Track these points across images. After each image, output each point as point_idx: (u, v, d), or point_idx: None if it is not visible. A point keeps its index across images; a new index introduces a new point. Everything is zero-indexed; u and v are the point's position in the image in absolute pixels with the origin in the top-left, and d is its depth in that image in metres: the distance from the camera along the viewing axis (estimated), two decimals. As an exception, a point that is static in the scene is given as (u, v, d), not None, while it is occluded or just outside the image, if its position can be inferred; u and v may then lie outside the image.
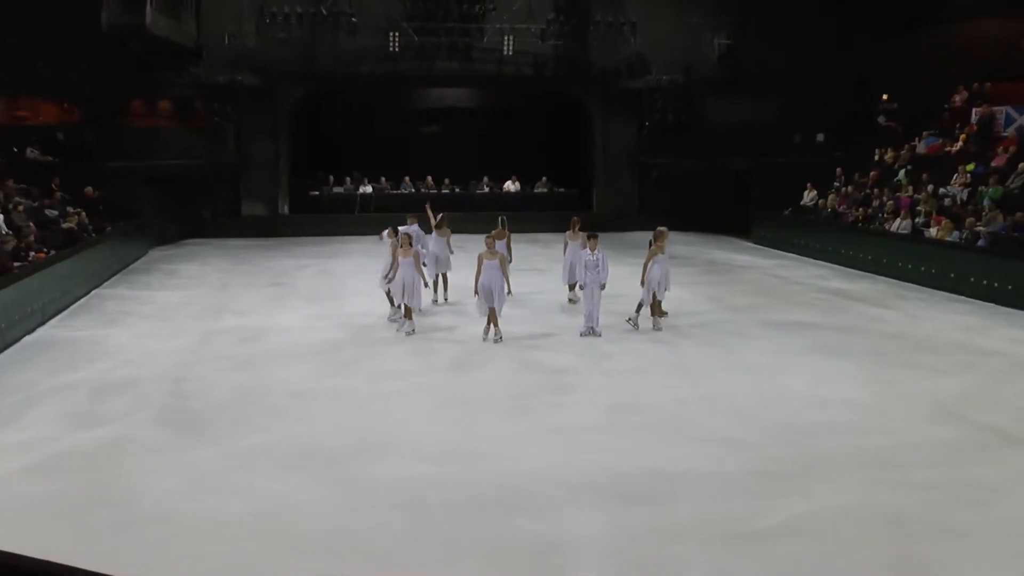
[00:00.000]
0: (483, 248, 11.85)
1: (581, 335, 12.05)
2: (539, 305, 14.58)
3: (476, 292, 11.82)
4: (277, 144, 26.18)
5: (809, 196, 22.78)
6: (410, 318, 12.26)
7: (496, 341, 11.63)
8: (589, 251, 12.06)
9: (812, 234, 21.13)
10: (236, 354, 11.24)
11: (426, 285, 12.78)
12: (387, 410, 8.86)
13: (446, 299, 14.48)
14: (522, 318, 13.44)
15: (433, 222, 14.85)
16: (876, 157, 22.53)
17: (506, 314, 12.68)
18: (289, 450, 7.63)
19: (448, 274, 14.66)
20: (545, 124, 29.13)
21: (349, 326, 12.96)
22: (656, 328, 12.51)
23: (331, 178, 27.16)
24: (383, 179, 27.37)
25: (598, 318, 12.10)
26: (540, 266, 18.77)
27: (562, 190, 28.02)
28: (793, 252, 21.52)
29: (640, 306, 12.57)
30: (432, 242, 14.47)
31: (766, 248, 22.79)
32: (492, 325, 11.73)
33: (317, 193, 26.79)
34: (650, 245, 12.54)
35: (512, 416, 8.67)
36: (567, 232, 14.70)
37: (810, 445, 7.77)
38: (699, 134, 25.89)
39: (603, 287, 12.04)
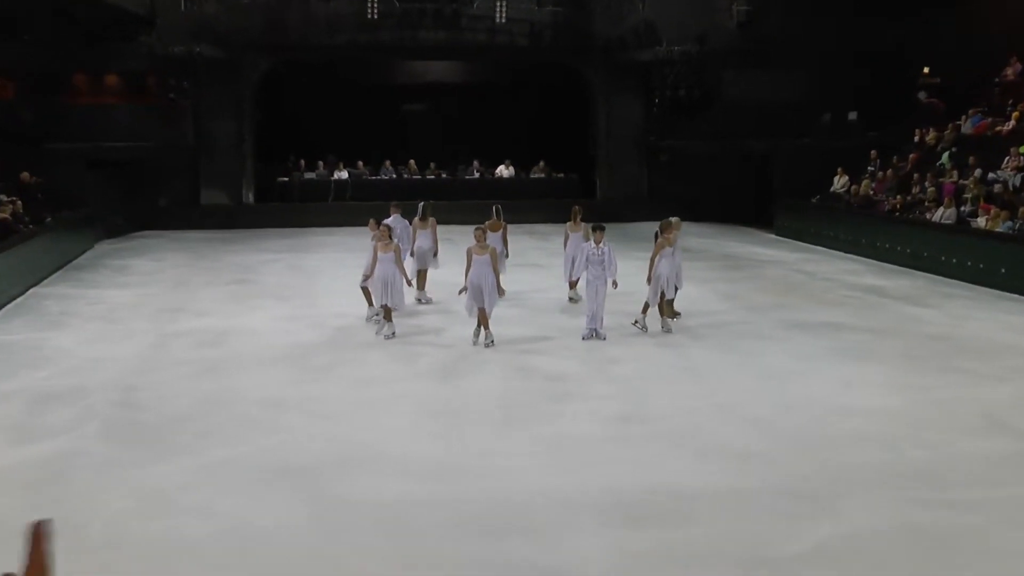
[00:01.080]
0: (472, 242, 11.89)
1: (583, 338, 12.12)
2: (536, 305, 14.63)
3: (464, 290, 11.89)
4: (241, 124, 26.20)
5: (840, 182, 22.89)
6: (390, 320, 12.31)
7: (487, 345, 11.70)
8: (593, 244, 12.12)
9: (843, 225, 21.25)
10: (195, 359, 11.27)
11: (409, 283, 12.83)
12: (367, 422, 8.90)
13: (429, 299, 14.51)
14: (517, 319, 13.48)
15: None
16: (916, 138, 22.67)
17: (499, 315, 12.71)
18: (257, 466, 7.68)
19: (430, 271, 14.69)
20: (542, 101, 29.17)
21: (323, 328, 12.98)
22: (666, 330, 12.57)
23: (302, 162, 27.19)
24: (360, 164, 27.39)
25: (602, 319, 12.16)
26: (537, 261, 18.83)
27: (561, 175, 28.08)
28: (821, 245, 21.61)
29: (647, 306, 12.63)
30: (417, 236, 14.52)
31: (790, 240, 22.88)
32: (482, 327, 11.80)
33: (286, 179, 26.82)
34: (657, 237, 12.60)
35: (506, 428, 8.72)
36: (568, 223, 14.77)
37: (838, 460, 7.84)
38: (715, 112, 25.97)
39: (615, 285, 12.10)
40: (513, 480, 7.41)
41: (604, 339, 12.06)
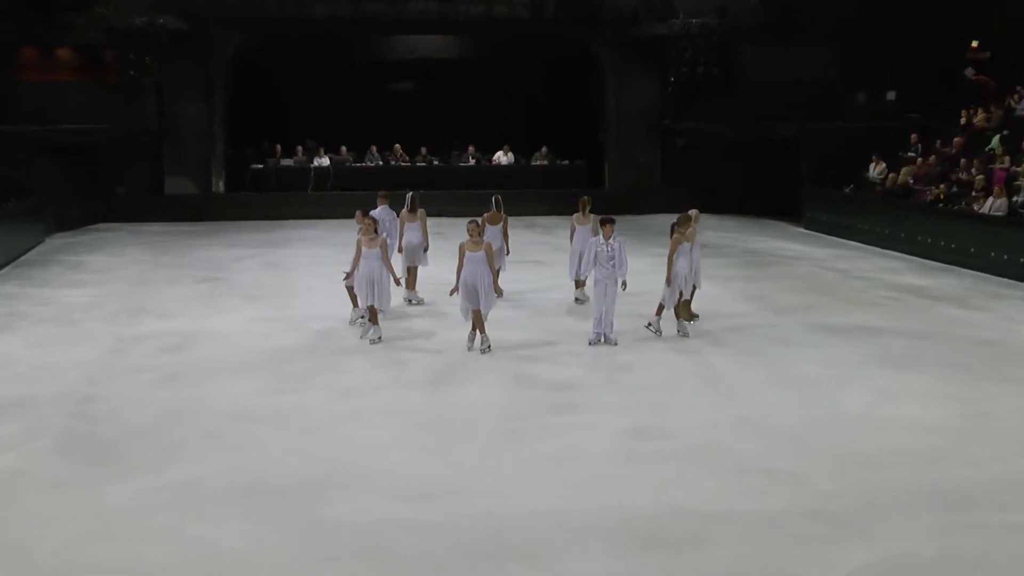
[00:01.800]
0: (465, 237, 11.87)
1: (590, 343, 12.11)
2: (538, 306, 14.62)
3: (455, 290, 11.88)
4: (210, 105, 26.17)
5: (876, 169, 22.88)
6: (376, 322, 12.31)
7: (483, 351, 11.69)
8: (603, 239, 12.11)
9: (879, 217, 21.24)
10: (158, 366, 11.25)
11: (397, 282, 12.82)
12: (349, 436, 8.88)
13: (420, 300, 14.50)
14: (518, 322, 13.46)
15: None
16: (962, 120, 22.65)
17: (497, 317, 12.70)
18: (226, 486, 7.66)
19: (420, 268, 14.69)
20: (545, 80, 29.17)
21: (301, 331, 12.96)
22: (682, 334, 12.56)
23: (278, 148, 27.16)
24: (343, 149, 27.37)
25: (612, 322, 12.16)
26: (539, 257, 18.82)
27: (566, 162, 28.05)
28: (854, 240, 21.59)
29: (662, 307, 12.63)
30: (405, 230, 14.51)
31: (820, 234, 22.87)
32: (478, 331, 11.79)
33: (261, 166, 26.79)
34: (673, 231, 12.59)
35: (504, 443, 8.70)
36: (575, 215, 14.77)
37: (875, 479, 7.83)
38: (737, 92, 25.95)
39: (624, 286, 12.09)
40: (511, 501, 7.40)
41: (615, 344, 12.05)
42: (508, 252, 14.89)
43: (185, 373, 10.99)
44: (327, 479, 7.80)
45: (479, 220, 12.28)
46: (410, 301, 14.49)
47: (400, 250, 14.57)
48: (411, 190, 15.46)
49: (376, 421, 9.32)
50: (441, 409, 9.71)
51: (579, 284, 14.67)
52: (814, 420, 9.29)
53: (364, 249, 12.24)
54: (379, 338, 12.23)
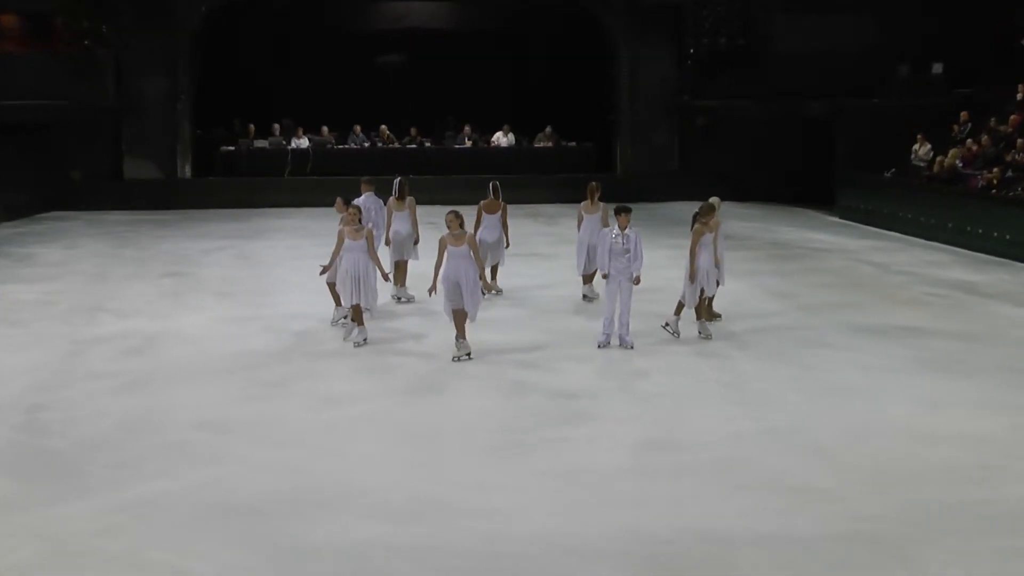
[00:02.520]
0: (462, 225, 11.81)
1: (599, 346, 12.09)
2: (541, 304, 14.61)
3: (433, 289, 11.87)
4: (175, 80, 26.17)
5: (920, 151, 22.86)
6: (361, 322, 12.28)
7: (460, 358, 11.51)
8: (617, 230, 12.08)
9: (923, 205, 21.22)
10: (118, 371, 11.23)
11: (385, 278, 12.77)
12: (330, 449, 8.87)
13: (410, 297, 14.49)
14: (518, 322, 13.46)
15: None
16: (1019, 95, 22.57)
17: (496, 317, 12.71)
18: (194, 505, 7.64)
19: (410, 262, 14.69)
20: (550, 53, 29.17)
21: (277, 332, 12.96)
22: (704, 336, 12.56)
23: (251, 128, 27.16)
24: (324, 129, 27.37)
25: (628, 323, 12.14)
26: (542, 249, 18.81)
27: (573, 144, 28.05)
28: (895, 230, 21.58)
29: (681, 306, 12.61)
30: (393, 219, 14.49)
31: (857, 224, 22.87)
32: (456, 335, 11.65)
33: (232, 149, 26.80)
34: (694, 222, 12.57)
35: (502, 458, 8.69)
36: (583, 203, 14.75)
37: (920, 498, 7.81)
38: (763, 66, 25.93)
39: (637, 281, 12.06)
40: (510, 522, 7.38)
41: (630, 348, 12.03)
42: (508, 244, 14.87)
43: (148, 379, 10.97)
44: (306, 497, 7.78)
45: (457, 211, 12.02)
46: (399, 299, 14.47)
47: (387, 242, 14.55)
48: (399, 175, 15.43)
49: (361, 433, 9.31)
50: (433, 419, 9.69)
51: (587, 279, 14.66)
52: (851, 432, 9.27)
53: (347, 241, 12.21)
54: (364, 340, 12.21)
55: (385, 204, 14.75)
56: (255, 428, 9.40)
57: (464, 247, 11.62)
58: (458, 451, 8.84)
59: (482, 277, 12.14)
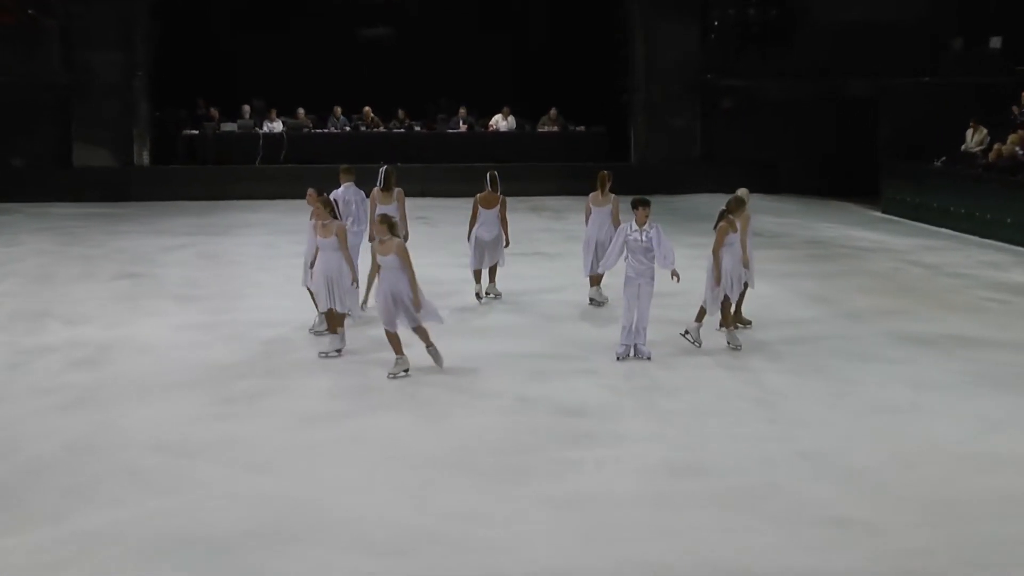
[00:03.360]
0: (392, 230, 11.59)
1: (619, 358, 12.06)
2: (546, 309, 14.62)
3: (363, 303, 11.97)
4: (131, 54, 26.13)
5: (975, 138, 22.83)
6: (335, 330, 12.26)
7: (396, 375, 11.47)
8: (635, 226, 12.06)
9: (979, 197, 21.20)
10: (64, 386, 11.19)
11: (354, 280, 12.57)
12: (307, 473, 8.85)
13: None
14: (520, 330, 13.47)
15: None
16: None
17: (496, 324, 12.71)
18: (151, 537, 7.61)
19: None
20: (555, 26, 29.16)
21: (247, 341, 12.96)
22: (732, 346, 12.57)
23: (214, 111, 27.10)
24: (300, 111, 27.35)
25: (644, 331, 12.12)
26: (547, 248, 18.80)
27: (581, 128, 28.04)
28: (947, 226, 21.57)
29: (703, 312, 12.61)
30: (376, 211, 14.45)
31: (903, 220, 22.85)
32: (397, 353, 11.58)
33: (195, 132, 26.77)
34: (721, 218, 12.56)
35: (503, 483, 8.66)
36: (592, 194, 14.72)
37: (977, 531, 7.78)
38: (798, 40, 25.92)
39: (676, 277, 12.11)
40: (510, 555, 7.36)
41: (647, 359, 12.02)
42: (508, 243, 14.86)
43: (99, 394, 10.94)
44: (277, 529, 7.75)
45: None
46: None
47: (371, 239, 14.55)
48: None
49: (340, 455, 9.28)
50: (422, 440, 9.66)
51: (595, 281, 14.66)
52: (897, 456, 9.25)
53: (319, 238, 12.18)
54: (338, 351, 12.19)
55: (368, 196, 14.71)
56: (220, 450, 9.36)
57: (391, 256, 11.40)
58: (450, 476, 8.81)
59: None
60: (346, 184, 14.48)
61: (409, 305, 11.43)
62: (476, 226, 14.47)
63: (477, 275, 14.83)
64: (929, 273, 17.52)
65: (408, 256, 11.60)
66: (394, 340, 11.56)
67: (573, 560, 7.30)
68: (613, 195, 14.45)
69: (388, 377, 11.45)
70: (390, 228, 11.59)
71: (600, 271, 14.31)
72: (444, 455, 9.28)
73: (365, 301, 11.82)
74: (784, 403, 10.76)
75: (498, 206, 14.63)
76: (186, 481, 8.67)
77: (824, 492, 8.48)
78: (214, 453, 9.30)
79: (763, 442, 9.60)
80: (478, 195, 14.62)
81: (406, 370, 11.55)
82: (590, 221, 14.59)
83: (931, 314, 14.52)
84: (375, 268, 11.59)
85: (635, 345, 12.13)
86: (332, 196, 13.34)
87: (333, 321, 12.27)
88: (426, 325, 11.64)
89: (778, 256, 18.14)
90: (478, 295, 14.78)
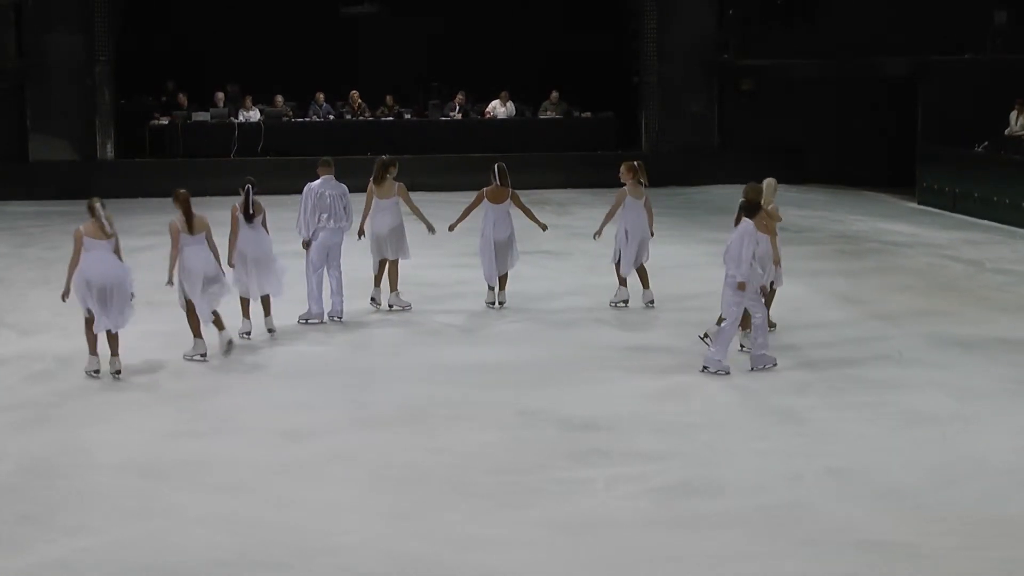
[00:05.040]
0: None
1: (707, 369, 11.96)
2: (551, 314, 14.66)
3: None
4: (92, 36, 26.15)
5: (1020, 120, 22.82)
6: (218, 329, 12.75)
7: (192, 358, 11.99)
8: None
9: (1024, 187, 21.23)
10: (21, 402, 11.19)
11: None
12: (290, 496, 8.83)
13: (406, 304, 14.60)
14: (522, 336, 13.52)
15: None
16: None
17: (497, 330, 12.65)
18: (117, 568, 7.59)
19: (401, 262, 14.75)
20: (558, 3, 29.11)
21: (216, 348, 12.99)
22: (747, 349, 12.57)
23: (183, 97, 27.09)
24: (279, 98, 27.39)
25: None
26: (551, 246, 18.75)
27: (588, 115, 28.03)
28: (989, 218, 21.64)
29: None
30: (374, 209, 14.48)
31: (941, 212, 22.86)
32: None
33: (165, 123, 26.78)
34: (745, 211, 12.55)
35: (502, 505, 8.66)
36: (626, 186, 14.59)
37: (1022, 555, 7.77)
38: (825, 15, 25.91)
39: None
40: (515, 586, 7.33)
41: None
42: (545, 227, 15.26)
43: (58, 411, 10.93)
44: (257, 557, 7.74)
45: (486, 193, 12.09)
46: (391, 306, 14.59)
47: (361, 234, 14.57)
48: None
49: (328, 475, 9.28)
50: (416, 458, 9.66)
51: (623, 281, 14.74)
52: (937, 472, 9.23)
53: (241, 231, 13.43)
54: (233, 341, 12.88)
55: (366, 191, 14.67)
56: (194, 470, 9.34)
57: (200, 236, 12.82)
58: (447, 497, 8.80)
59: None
60: (324, 177, 14.48)
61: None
62: (485, 225, 14.56)
63: (502, 281, 14.90)
64: (971, 270, 17.52)
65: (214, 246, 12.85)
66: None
67: (581, 589, 7.30)
68: (642, 186, 14.53)
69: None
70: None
71: (628, 270, 14.39)
72: (440, 474, 9.27)
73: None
74: (812, 414, 10.74)
75: (508, 200, 14.66)
76: (155, 505, 8.65)
77: (857, 512, 8.46)
78: (185, 474, 9.27)
79: (790, 458, 9.59)
80: (484, 189, 14.59)
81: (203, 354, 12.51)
82: (623, 214, 14.50)
83: (974, 315, 14.51)
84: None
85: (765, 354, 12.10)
86: (305, 188, 13.95)
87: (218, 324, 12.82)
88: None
89: (806, 253, 18.15)
90: (491, 304, 14.85)
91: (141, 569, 7.57)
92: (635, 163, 14.84)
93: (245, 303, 13.46)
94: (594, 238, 14.87)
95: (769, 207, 12.68)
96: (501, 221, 14.59)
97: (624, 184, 14.57)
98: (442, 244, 15.16)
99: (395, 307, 14.58)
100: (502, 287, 14.91)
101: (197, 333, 12.51)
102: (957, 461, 9.49)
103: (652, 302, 14.70)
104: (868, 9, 25.17)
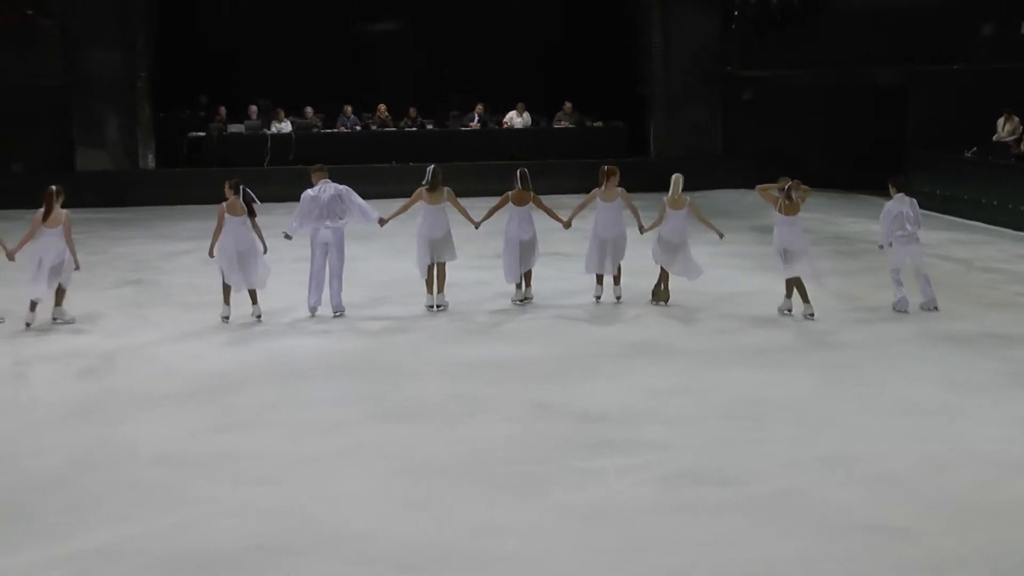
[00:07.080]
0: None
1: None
2: (564, 311, 14.67)
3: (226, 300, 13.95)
4: (132, 54, 26.20)
5: (1007, 127, 22.70)
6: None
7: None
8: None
9: (1012, 189, 21.12)
10: (64, 398, 11.21)
11: (76, 267, 14.43)
12: (314, 486, 8.83)
13: (444, 303, 14.71)
14: (537, 332, 13.52)
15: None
16: None
17: (513, 327, 12.59)
18: (154, 555, 7.60)
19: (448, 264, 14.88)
20: (570, 17, 29.16)
21: (252, 348, 13.04)
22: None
23: (222, 110, 27.18)
24: (308, 110, 27.40)
25: None
26: (564, 248, 18.68)
27: (599, 124, 28.00)
28: (979, 219, 21.53)
29: (790, 285, 13.16)
30: (425, 214, 14.53)
31: (933, 213, 22.60)
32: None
33: (202, 134, 26.83)
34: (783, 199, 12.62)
35: (519, 494, 8.64)
36: (666, 196, 14.99)
37: (1011, 538, 7.72)
38: (822, 27, 25.81)
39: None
40: (528, 570, 7.34)
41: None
42: (568, 224, 15.28)
43: (102, 406, 10.95)
44: (284, 544, 7.74)
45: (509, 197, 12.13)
46: (433, 307, 14.66)
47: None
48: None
49: (348, 467, 9.26)
50: (434, 449, 9.65)
51: (600, 279, 15.01)
52: (928, 460, 9.20)
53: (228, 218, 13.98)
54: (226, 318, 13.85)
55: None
56: (224, 463, 9.35)
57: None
58: (466, 487, 8.79)
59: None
60: (321, 183, 14.54)
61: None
62: (509, 225, 14.72)
63: (527, 278, 15.05)
64: (960, 268, 17.46)
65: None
66: None
67: (595, 574, 7.26)
68: (621, 189, 15.05)
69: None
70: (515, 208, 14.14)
71: (599, 271, 14.87)
72: (456, 465, 9.26)
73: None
74: (809, 405, 10.71)
75: (530, 203, 14.82)
76: (189, 495, 8.67)
77: (852, 498, 8.44)
78: (218, 466, 9.30)
79: (787, 446, 9.57)
80: (509, 192, 14.80)
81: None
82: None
83: (963, 311, 14.43)
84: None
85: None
86: (303, 196, 14.30)
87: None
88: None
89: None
90: (518, 301, 14.96)
91: (178, 555, 7.59)
92: (605, 167, 15.18)
93: (227, 291, 14.01)
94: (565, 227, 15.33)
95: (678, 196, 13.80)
96: (524, 221, 14.72)
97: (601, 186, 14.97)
98: (463, 246, 15.16)
99: (440, 307, 14.66)
100: (527, 283, 15.02)
101: (226, 300, 13.93)
102: (946, 449, 9.45)
103: (619, 298, 14.91)
104: (861, 22, 25.08)
